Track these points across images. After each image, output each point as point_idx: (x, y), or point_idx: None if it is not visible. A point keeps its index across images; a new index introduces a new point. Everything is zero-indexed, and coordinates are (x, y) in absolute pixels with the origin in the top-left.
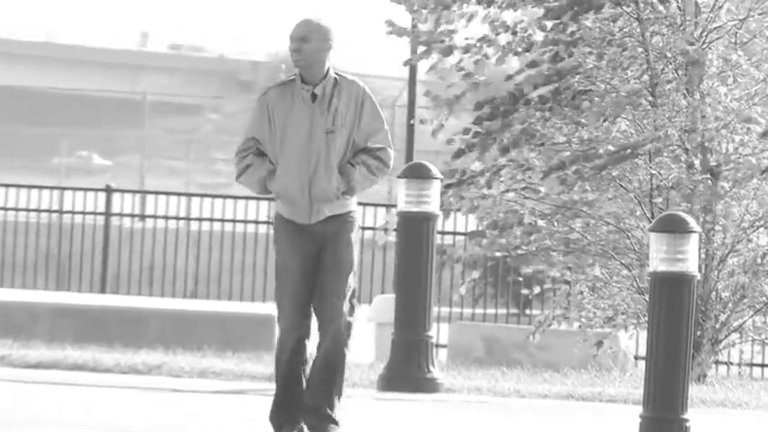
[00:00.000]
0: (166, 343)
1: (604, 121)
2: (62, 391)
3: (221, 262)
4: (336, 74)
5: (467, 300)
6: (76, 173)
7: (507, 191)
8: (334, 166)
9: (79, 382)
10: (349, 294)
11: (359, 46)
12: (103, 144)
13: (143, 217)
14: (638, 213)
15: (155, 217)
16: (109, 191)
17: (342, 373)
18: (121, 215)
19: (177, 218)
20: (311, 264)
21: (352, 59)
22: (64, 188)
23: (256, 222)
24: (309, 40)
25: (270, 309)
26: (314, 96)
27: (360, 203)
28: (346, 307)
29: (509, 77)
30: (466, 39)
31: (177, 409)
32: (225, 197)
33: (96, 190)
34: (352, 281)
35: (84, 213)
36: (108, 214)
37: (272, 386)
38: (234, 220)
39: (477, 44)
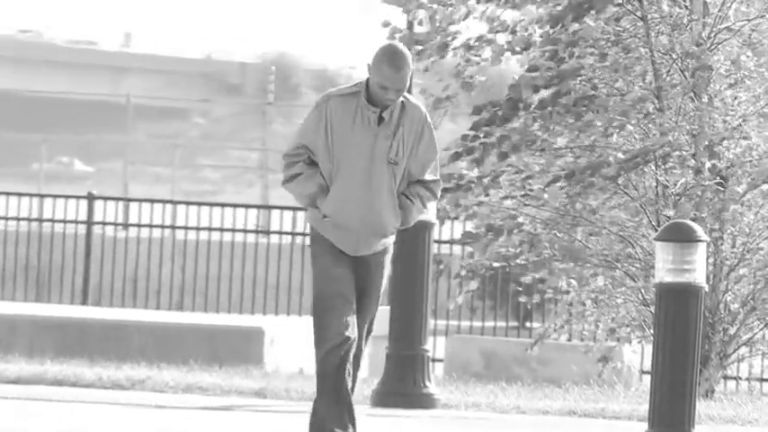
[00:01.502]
0: (151, 357)
1: (610, 135)
2: (42, 407)
3: (208, 272)
4: (403, 95)
5: (464, 312)
6: (57, 179)
7: (506, 197)
8: (396, 200)
9: (60, 397)
10: (371, 320)
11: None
12: (85, 149)
13: (126, 225)
14: (643, 221)
15: (139, 226)
16: (91, 198)
17: (350, 380)
18: (104, 224)
19: (162, 226)
20: (353, 273)
21: (345, 62)
22: (44, 195)
23: (245, 231)
24: (405, 86)
25: (258, 321)
26: (380, 119)
27: None
28: (365, 332)
29: (512, 86)
30: (466, 39)
31: (162, 426)
32: (212, 205)
33: (78, 197)
34: (378, 304)
35: (64, 222)
36: (90, 223)
37: (262, 402)
38: (221, 229)
39: (475, 44)
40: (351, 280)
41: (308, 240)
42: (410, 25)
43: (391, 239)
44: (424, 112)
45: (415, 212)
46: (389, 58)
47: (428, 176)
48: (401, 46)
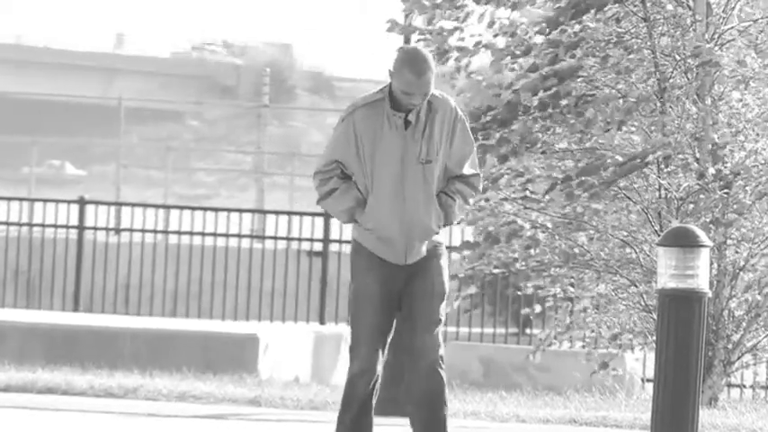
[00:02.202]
0: (143, 364)
1: (608, 130)
2: (32, 416)
3: (202, 278)
4: None
5: (463, 318)
6: (48, 183)
7: (505, 199)
8: (434, 201)
9: (50, 406)
10: (440, 327)
11: (349, 49)
12: (76, 153)
13: (118, 230)
14: (645, 226)
15: (131, 230)
16: (82, 202)
17: (445, 409)
18: (95, 228)
19: (155, 231)
20: (395, 292)
21: (344, 63)
22: (34, 200)
23: (239, 236)
24: (430, 89)
25: (253, 328)
26: (407, 123)
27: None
28: (439, 340)
29: (509, 86)
30: (463, 39)
31: None
32: (205, 209)
33: (69, 202)
34: (444, 310)
35: (55, 227)
36: (81, 227)
37: (257, 410)
38: (215, 234)
39: (473, 48)
40: (390, 301)
41: (303, 245)
42: (409, 24)
43: (439, 238)
44: (453, 106)
45: (457, 209)
46: (411, 64)
47: (467, 171)
48: (422, 49)
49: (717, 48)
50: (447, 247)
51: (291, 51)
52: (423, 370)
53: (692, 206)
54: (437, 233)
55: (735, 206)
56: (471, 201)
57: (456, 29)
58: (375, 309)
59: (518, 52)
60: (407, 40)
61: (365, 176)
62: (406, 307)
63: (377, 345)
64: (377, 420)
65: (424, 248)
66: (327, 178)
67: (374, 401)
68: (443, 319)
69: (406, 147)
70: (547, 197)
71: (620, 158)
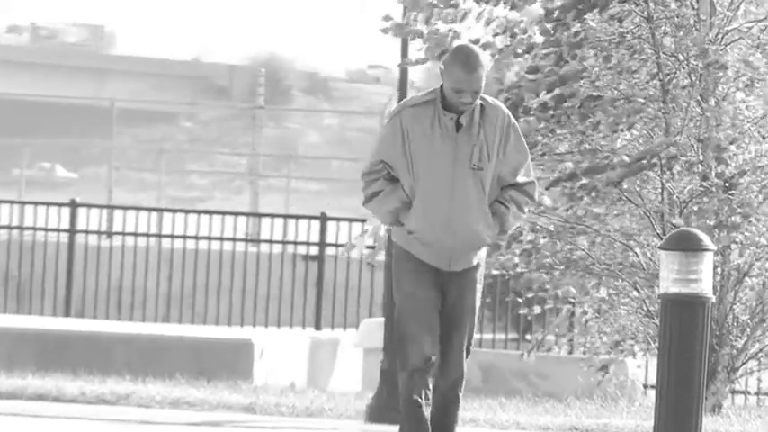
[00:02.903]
0: (136, 370)
1: (615, 131)
2: (22, 423)
3: (196, 283)
4: (480, 97)
5: None
6: (38, 186)
7: None
8: (486, 208)
9: (41, 413)
10: (470, 344)
11: (346, 49)
12: (68, 155)
13: (111, 234)
14: (647, 229)
15: (123, 234)
16: (74, 206)
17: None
18: (87, 232)
19: (148, 235)
20: (439, 294)
21: (336, 64)
22: (25, 203)
23: (234, 240)
24: (482, 87)
25: (247, 333)
26: (458, 125)
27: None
28: (466, 357)
29: (510, 87)
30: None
31: None
32: (199, 212)
33: (60, 205)
34: (475, 322)
35: (46, 230)
36: (73, 231)
37: (252, 417)
38: (209, 238)
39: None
40: (435, 305)
41: (299, 249)
42: (407, 23)
43: (484, 252)
44: (506, 113)
45: (512, 218)
46: (462, 61)
47: (521, 179)
48: (473, 46)
49: (722, 48)
50: None
51: (288, 51)
52: (442, 390)
53: (695, 209)
54: (488, 243)
55: (740, 209)
56: (526, 209)
57: (450, 31)
58: (425, 307)
59: (519, 51)
60: (404, 43)
61: (412, 177)
62: (444, 319)
63: (433, 337)
64: (374, 428)
65: (473, 258)
66: (373, 180)
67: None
68: (472, 339)
69: (457, 149)
70: (547, 201)
71: (627, 159)
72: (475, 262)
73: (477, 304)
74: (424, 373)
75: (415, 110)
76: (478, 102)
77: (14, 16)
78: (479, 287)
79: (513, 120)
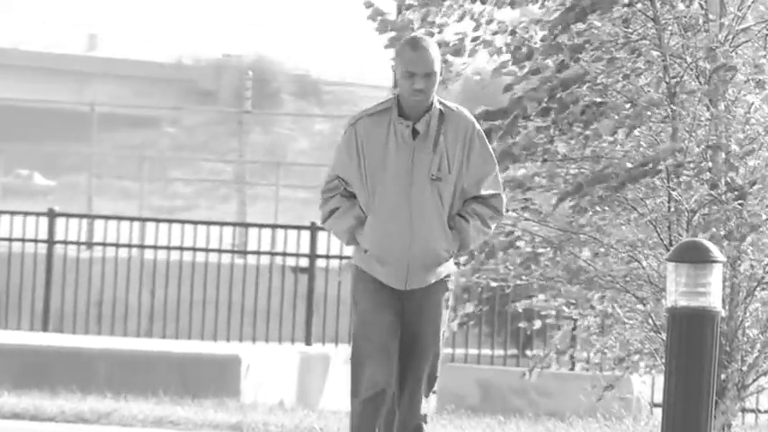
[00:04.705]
0: (117, 388)
1: (616, 133)
2: None
3: (180, 296)
4: (441, 103)
5: (459, 339)
6: (15, 194)
7: (507, 211)
8: (445, 221)
9: None
10: (431, 384)
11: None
12: (46, 161)
13: (91, 245)
14: (653, 240)
15: (104, 245)
16: (52, 215)
17: None
18: (66, 243)
19: (130, 245)
20: (397, 316)
21: (333, 68)
22: (0, 212)
23: (219, 251)
24: (435, 73)
25: (234, 348)
26: (415, 133)
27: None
28: (426, 400)
29: (508, 88)
30: (456, 34)
31: None
32: (184, 222)
33: (38, 214)
34: (438, 363)
35: (23, 240)
36: (51, 242)
37: None
38: (194, 249)
39: (470, 44)
40: (394, 331)
41: (288, 261)
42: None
43: (447, 269)
44: (470, 120)
45: (474, 233)
46: (411, 43)
47: (486, 191)
48: (425, 36)
49: (731, 49)
50: None
51: (276, 53)
52: (401, 423)
53: (704, 218)
54: (447, 259)
55: (750, 219)
56: (493, 224)
57: (442, 25)
58: (381, 331)
59: (519, 56)
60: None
61: (367, 191)
62: (401, 355)
63: (388, 364)
64: None
65: (430, 276)
66: (330, 197)
67: None
68: (436, 370)
69: (414, 159)
70: (544, 205)
71: (630, 164)
72: (433, 280)
73: (443, 329)
74: (377, 405)
75: (371, 119)
76: (438, 106)
77: None
78: (444, 312)
79: (479, 127)
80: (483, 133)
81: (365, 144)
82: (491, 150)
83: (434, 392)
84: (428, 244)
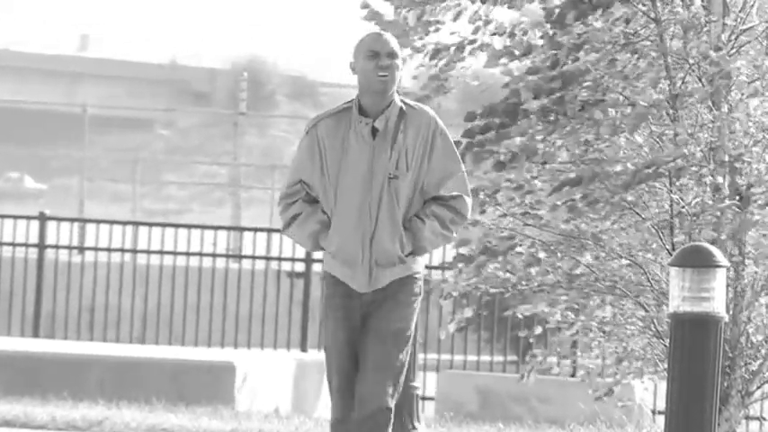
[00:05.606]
0: (109, 395)
1: (615, 133)
2: None
3: (173, 301)
4: (402, 101)
5: (457, 345)
6: (5, 198)
7: (504, 215)
8: (398, 221)
9: None
10: (395, 374)
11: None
12: (37, 164)
13: (82, 249)
14: (655, 245)
15: (96, 249)
16: (43, 219)
17: None
18: (57, 247)
19: (122, 250)
20: (358, 328)
21: (324, 67)
22: None
23: (213, 256)
24: (397, 56)
25: (229, 355)
26: (374, 131)
27: None
28: (389, 388)
29: (506, 85)
30: (452, 33)
31: None
32: (177, 226)
33: (28, 218)
34: (403, 356)
35: (14, 245)
36: (42, 246)
37: None
38: (188, 253)
39: (468, 46)
40: (352, 347)
41: (284, 265)
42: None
43: (409, 269)
44: (432, 116)
45: (429, 234)
46: (369, 34)
47: (448, 192)
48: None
49: (733, 51)
50: (441, 267)
51: (271, 54)
52: (358, 423)
53: (706, 222)
54: (403, 262)
55: (753, 224)
56: (454, 228)
57: (438, 22)
58: (341, 353)
59: (517, 52)
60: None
61: (329, 194)
62: (360, 346)
63: (348, 391)
64: None
65: (387, 276)
66: (291, 203)
67: None
68: (402, 363)
69: (374, 159)
70: (546, 214)
71: (632, 167)
72: (391, 279)
73: (407, 333)
74: (341, 425)
75: (331, 120)
76: (399, 104)
77: None
78: (409, 312)
79: (442, 125)
80: (447, 132)
81: (326, 146)
82: (455, 150)
83: (396, 386)
84: (383, 245)
